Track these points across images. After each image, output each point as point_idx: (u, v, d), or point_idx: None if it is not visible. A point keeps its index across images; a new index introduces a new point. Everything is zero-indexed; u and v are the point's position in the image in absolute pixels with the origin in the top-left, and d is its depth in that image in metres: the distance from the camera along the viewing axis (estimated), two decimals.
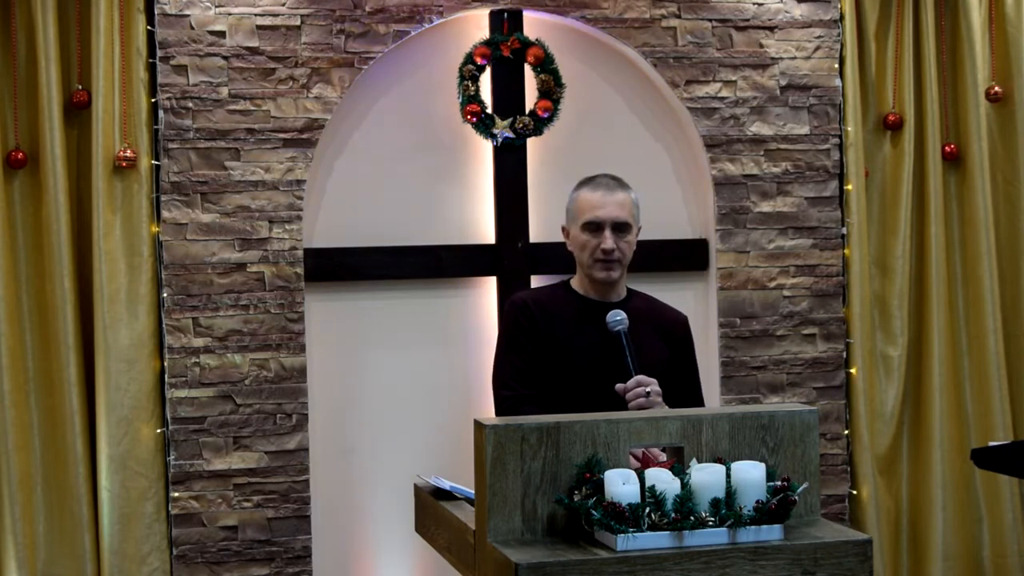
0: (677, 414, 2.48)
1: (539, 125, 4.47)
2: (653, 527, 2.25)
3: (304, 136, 4.30)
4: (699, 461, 2.41)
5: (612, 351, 3.25)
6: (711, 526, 2.27)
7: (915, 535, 4.82)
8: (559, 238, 4.54)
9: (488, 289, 4.49)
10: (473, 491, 2.48)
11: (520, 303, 3.41)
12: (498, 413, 3.33)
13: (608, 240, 3.32)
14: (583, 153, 4.61)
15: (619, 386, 3.15)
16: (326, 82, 4.31)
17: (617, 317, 3.25)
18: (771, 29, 4.62)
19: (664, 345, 3.36)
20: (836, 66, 4.68)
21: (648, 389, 3.13)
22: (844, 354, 4.68)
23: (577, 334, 3.32)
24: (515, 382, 3.34)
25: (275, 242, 4.28)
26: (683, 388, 3.36)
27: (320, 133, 4.32)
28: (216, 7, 4.24)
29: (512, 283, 4.42)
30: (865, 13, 4.74)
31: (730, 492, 2.31)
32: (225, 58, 4.25)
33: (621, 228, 3.34)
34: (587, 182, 3.41)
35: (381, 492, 4.44)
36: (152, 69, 4.22)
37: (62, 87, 4.15)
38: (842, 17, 4.70)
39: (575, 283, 3.44)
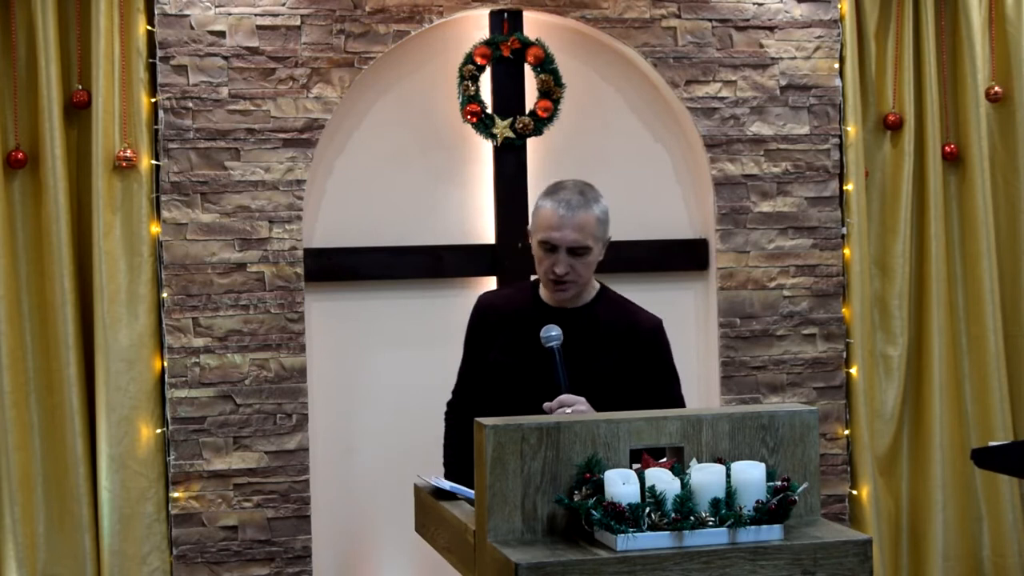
0: (677, 414, 2.48)
1: (539, 125, 4.48)
2: (653, 527, 2.25)
3: (304, 136, 4.30)
4: (699, 461, 2.41)
5: (549, 364, 3.15)
6: (711, 526, 2.27)
7: (915, 535, 4.82)
8: None
9: (488, 289, 4.50)
10: (473, 491, 2.48)
11: (477, 305, 3.38)
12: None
13: (561, 265, 3.13)
14: (583, 153, 4.61)
15: (546, 404, 3.06)
16: (326, 82, 4.32)
17: (551, 333, 3.13)
18: (771, 29, 4.62)
19: (620, 353, 3.20)
20: (836, 66, 4.68)
21: (569, 409, 3.02)
22: (844, 354, 4.68)
23: (527, 342, 3.20)
24: (457, 389, 3.46)
25: (275, 242, 4.29)
26: (647, 396, 3.16)
27: (320, 133, 4.32)
28: (216, 7, 4.24)
29: (512, 283, 4.42)
30: (865, 13, 4.75)
31: (730, 492, 2.31)
32: (225, 58, 4.25)
33: (578, 252, 3.13)
34: (554, 192, 3.19)
35: (381, 492, 4.44)
36: (152, 69, 4.23)
37: (62, 87, 4.15)
38: (842, 17, 4.70)
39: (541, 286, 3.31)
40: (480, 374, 3.35)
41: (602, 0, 4.49)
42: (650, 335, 3.25)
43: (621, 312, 3.26)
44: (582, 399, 3.06)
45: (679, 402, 3.27)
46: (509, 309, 3.31)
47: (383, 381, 4.47)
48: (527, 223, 4.47)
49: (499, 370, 3.27)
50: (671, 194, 4.70)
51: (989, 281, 4.78)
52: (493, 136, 4.45)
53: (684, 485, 2.30)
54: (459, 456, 3.40)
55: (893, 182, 4.82)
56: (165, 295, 4.21)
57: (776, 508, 2.31)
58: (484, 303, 3.40)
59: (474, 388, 3.38)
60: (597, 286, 3.31)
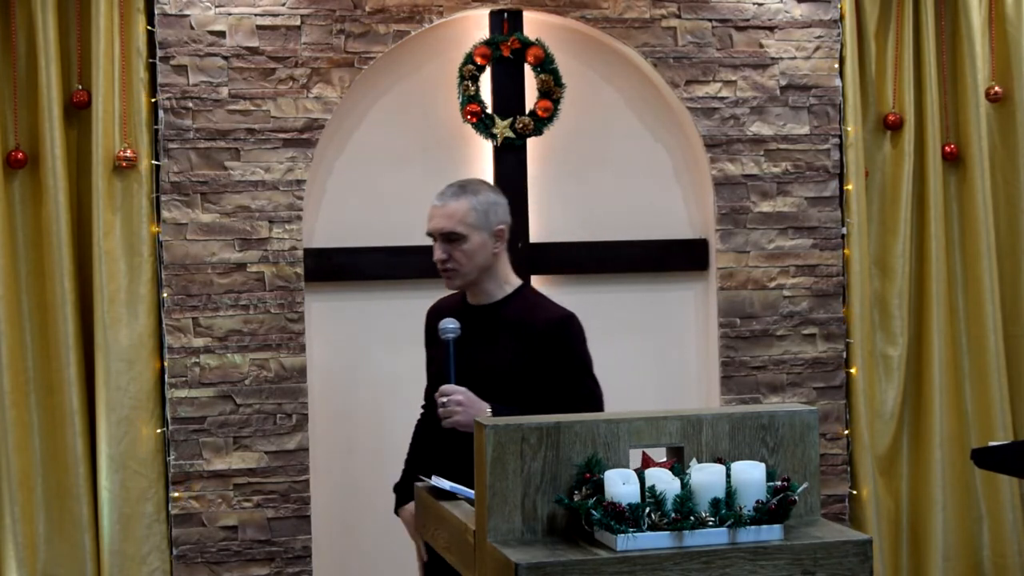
0: (677, 414, 2.48)
1: (539, 125, 4.47)
2: (653, 527, 2.25)
3: (304, 136, 4.30)
4: (699, 461, 2.41)
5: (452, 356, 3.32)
6: (711, 526, 2.27)
7: (915, 535, 4.82)
8: (559, 238, 4.58)
9: None
10: (473, 491, 2.48)
11: (428, 311, 3.58)
12: None
13: (436, 251, 3.34)
14: (583, 153, 4.61)
15: (436, 395, 3.26)
16: (326, 82, 4.32)
17: (448, 326, 3.28)
18: (771, 29, 4.62)
19: (520, 348, 3.27)
20: (836, 66, 4.68)
21: (445, 399, 3.20)
22: (844, 354, 4.68)
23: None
24: (425, 395, 3.61)
25: (275, 242, 4.29)
26: (551, 390, 3.23)
27: (320, 133, 4.32)
28: (216, 7, 4.24)
29: None
30: (865, 13, 4.74)
31: (730, 492, 2.31)
32: (225, 58, 4.25)
33: (450, 238, 3.31)
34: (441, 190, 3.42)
35: (381, 492, 4.44)
36: (152, 69, 4.23)
37: (62, 87, 4.15)
38: (842, 17, 4.69)
39: None
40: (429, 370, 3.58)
41: (602, 0, 4.49)
42: (551, 329, 3.29)
43: (528, 308, 3.35)
44: (462, 389, 3.21)
45: (588, 397, 3.28)
46: (445, 309, 3.48)
47: (383, 381, 4.47)
48: (527, 223, 4.51)
49: (429, 365, 3.52)
50: (671, 194, 4.70)
51: (989, 281, 4.78)
52: (493, 136, 4.45)
53: (684, 485, 2.30)
54: (411, 458, 3.66)
55: (893, 182, 4.82)
56: (165, 295, 4.21)
57: (776, 508, 2.31)
58: (431, 307, 3.59)
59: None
60: (516, 284, 3.42)
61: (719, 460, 2.41)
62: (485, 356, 3.31)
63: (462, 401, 3.19)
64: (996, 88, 4.82)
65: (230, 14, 4.25)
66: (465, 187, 3.37)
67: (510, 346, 3.29)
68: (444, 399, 3.21)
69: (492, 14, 4.46)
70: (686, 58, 4.56)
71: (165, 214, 4.22)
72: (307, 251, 4.34)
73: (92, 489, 4.16)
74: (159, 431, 4.22)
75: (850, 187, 4.67)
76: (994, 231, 4.82)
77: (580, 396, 3.25)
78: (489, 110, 4.45)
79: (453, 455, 3.24)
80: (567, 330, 3.32)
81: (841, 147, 4.69)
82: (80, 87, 4.20)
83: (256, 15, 4.27)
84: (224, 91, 4.25)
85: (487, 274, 3.35)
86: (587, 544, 2.29)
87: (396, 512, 3.65)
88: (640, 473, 2.32)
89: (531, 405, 3.19)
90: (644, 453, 2.50)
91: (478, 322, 3.35)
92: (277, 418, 4.28)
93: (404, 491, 3.62)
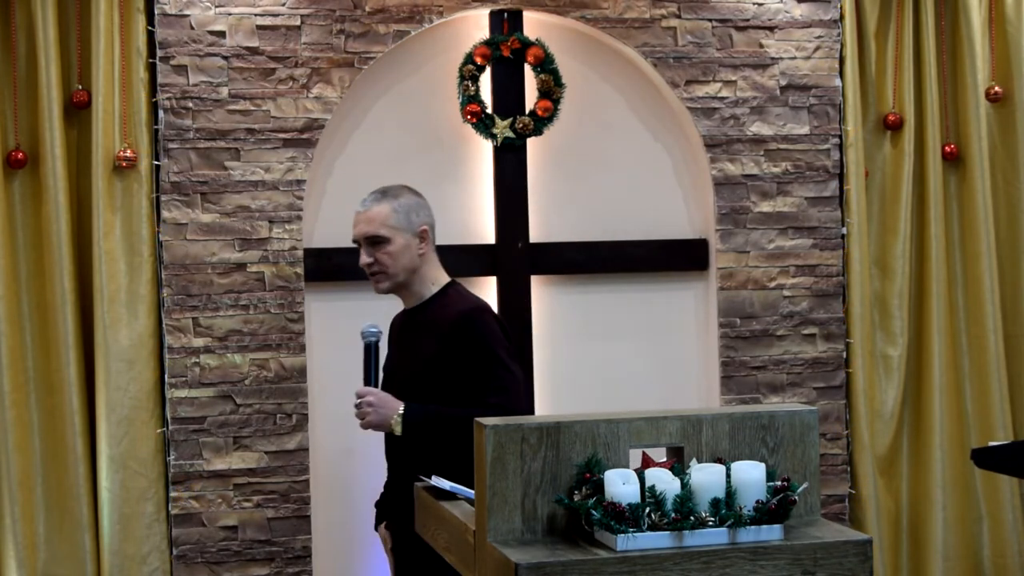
0: (677, 414, 2.48)
1: (539, 125, 4.47)
2: (653, 527, 2.25)
3: (304, 136, 4.30)
4: (699, 461, 2.41)
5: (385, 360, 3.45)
6: (711, 526, 2.27)
7: (915, 535, 4.82)
8: (559, 238, 4.58)
9: (488, 289, 4.49)
10: (473, 491, 2.48)
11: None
12: None
13: (362, 256, 3.42)
14: (583, 153, 4.61)
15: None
16: (326, 82, 4.32)
17: (370, 330, 3.41)
18: (771, 29, 4.62)
19: (436, 345, 3.33)
20: (836, 66, 4.68)
21: (359, 401, 3.34)
22: (844, 354, 4.68)
23: (391, 344, 3.50)
24: None
25: (275, 242, 4.29)
26: (464, 382, 3.28)
27: (320, 133, 4.32)
28: (216, 7, 4.24)
29: (512, 283, 4.43)
30: (865, 13, 4.74)
31: (730, 492, 2.31)
32: (225, 58, 4.25)
33: (374, 242, 3.40)
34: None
35: (380, 492, 4.44)
36: (152, 69, 4.22)
37: (62, 87, 4.15)
38: (842, 17, 4.69)
39: None
40: None
41: (602, 0, 4.49)
42: (459, 321, 3.32)
43: (444, 305, 3.41)
44: (374, 390, 3.35)
45: (499, 389, 3.27)
46: (394, 319, 3.60)
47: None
48: (527, 223, 4.51)
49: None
50: (671, 194, 4.70)
51: (989, 281, 4.78)
52: (493, 136, 4.45)
53: (684, 485, 2.30)
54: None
55: (893, 182, 4.82)
56: (165, 295, 4.21)
57: (776, 508, 2.31)
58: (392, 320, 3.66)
59: None
60: (443, 283, 3.47)
61: (719, 460, 2.40)
62: (406, 357, 3.43)
63: (373, 402, 3.31)
64: (996, 88, 4.82)
65: (230, 14, 4.25)
66: (386, 192, 3.46)
67: (427, 344, 3.36)
68: (358, 401, 3.33)
69: (492, 14, 4.46)
70: (686, 58, 4.56)
71: (165, 214, 4.22)
72: (307, 251, 4.34)
73: (92, 489, 4.16)
74: (159, 431, 4.22)
75: (850, 187, 4.67)
76: (994, 231, 4.82)
77: (491, 388, 3.26)
78: (489, 110, 4.45)
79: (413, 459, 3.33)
80: (475, 321, 3.33)
81: (841, 147, 4.69)
82: (80, 87, 4.20)
83: (256, 15, 4.27)
84: (224, 91, 4.25)
85: (415, 276, 3.43)
86: (587, 544, 2.29)
87: (376, 528, 3.71)
88: (640, 473, 2.32)
89: (447, 401, 3.28)
90: (644, 453, 2.50)
91: (408, 325, 3.47)
92: (277, 418, 4.28)
93: (383, 508, 3.64)
